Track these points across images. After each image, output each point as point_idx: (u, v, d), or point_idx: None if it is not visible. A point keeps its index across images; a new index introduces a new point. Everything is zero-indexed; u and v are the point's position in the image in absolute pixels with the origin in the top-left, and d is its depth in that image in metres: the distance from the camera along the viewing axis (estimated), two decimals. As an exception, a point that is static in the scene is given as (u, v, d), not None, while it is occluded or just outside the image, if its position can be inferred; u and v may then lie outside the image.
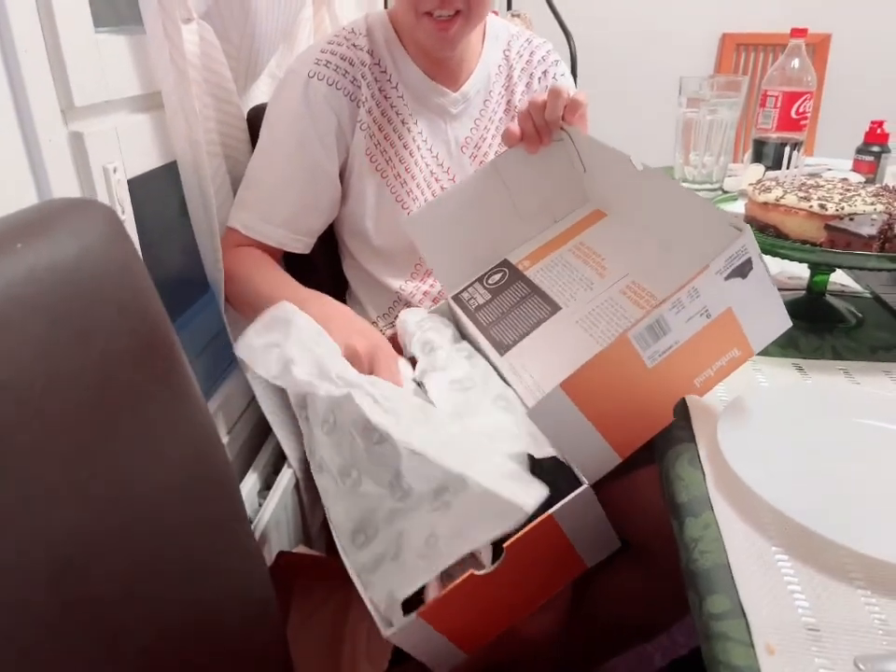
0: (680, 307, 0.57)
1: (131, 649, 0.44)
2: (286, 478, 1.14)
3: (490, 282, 0.87)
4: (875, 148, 1.30)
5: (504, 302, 0.83)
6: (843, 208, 0.77)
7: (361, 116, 0.91)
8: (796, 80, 1.33)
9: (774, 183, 0.86)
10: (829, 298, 0.89)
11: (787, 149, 1.30)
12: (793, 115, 1.34)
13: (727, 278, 0.57)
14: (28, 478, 0.38)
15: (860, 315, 0.88)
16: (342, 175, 0.95)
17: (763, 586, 0.47)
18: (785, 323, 0.63)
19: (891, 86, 2.29)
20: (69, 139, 0.68)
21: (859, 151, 1.32)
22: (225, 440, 1.13)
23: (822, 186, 0.84)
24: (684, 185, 1.45)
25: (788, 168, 1.32)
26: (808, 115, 1.35)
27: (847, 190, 0.82)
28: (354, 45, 0.91)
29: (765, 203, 0.82)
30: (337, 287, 1.10)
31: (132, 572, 0.44)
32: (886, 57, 2.27)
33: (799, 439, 0.60)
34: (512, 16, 1.91)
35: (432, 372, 0.77)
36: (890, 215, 0.76)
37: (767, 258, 0.62)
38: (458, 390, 0.75)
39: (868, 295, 0.95)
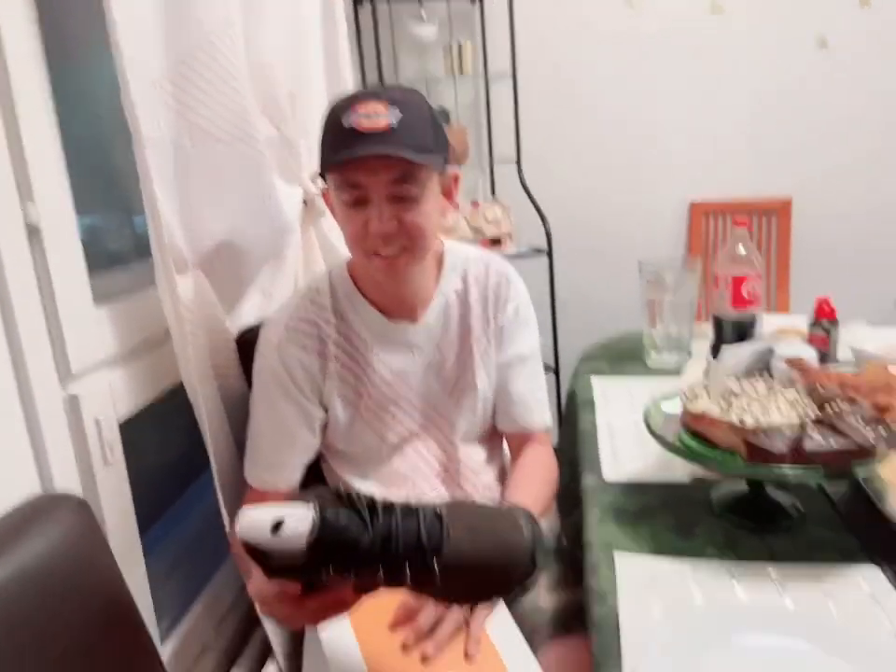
0: None
1: None
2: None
3: None
4: (825, 323, 1.39)
5: None
6: (759, 421, 0.84)
7: (330, 367, 1.03)
8: (743, 264, 1.45)
9: (703, 391, 0.94)
10: (770, 491, 0.94)
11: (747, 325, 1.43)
12: (744, 295, 1.44)
13: None
14: None
15: (802, 509, 0.92)
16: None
17: None
18: None
19: (853, 244, 2.43)
20: (65, 402, 0.79)
21: (811, 326, 1.41)
22: (211, 638, 1.17)
23: (745, 393, 0.92)
24: (654, 355, 1.55)
25: (750, 339, 1.43)
26: (758, 293, 1.46)
27: (768, 397, 0.90)
28: (319, 306, 1.04)
29: (694, 413, 0.90)
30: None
31: None
32: (845, 217, 2.42)
33: (709, 666, 0.65)
34: (492, 203, 2.11)
35: None
36: (802, 427, 0.83)
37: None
38: None
39: (813, 485, 0.99)
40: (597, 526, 0.92)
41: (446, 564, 0.63)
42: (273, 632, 1.18)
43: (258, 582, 0.67)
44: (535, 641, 0.93)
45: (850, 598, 0.75)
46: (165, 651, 1.04)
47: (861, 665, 0.64)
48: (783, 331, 1.56)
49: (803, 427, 0.83)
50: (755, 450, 0.81)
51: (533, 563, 0.67)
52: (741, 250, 1.47)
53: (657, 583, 0.79)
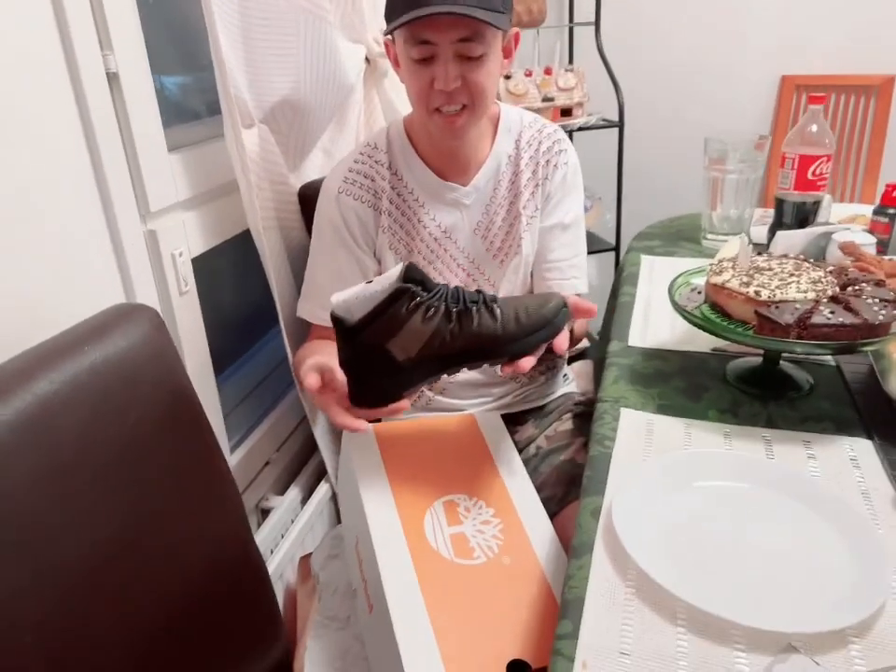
0: None
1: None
2: (322, 490, 1.35)
3: None
4: (891, 210, 1.34)
5: None
6: (775, 295, 0.87)
7: (382, 221, 1.11)
8: (814, 143, 1.40)
9: (729, 265, 0.97)
10: (784, 365, 0.98)
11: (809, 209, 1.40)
12: (810, 176, 1.40)
13: None
14: (77, 492, 0.59)
15: (813, 383, 0.97)
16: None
17: (604, 619, 0.61)
18: None
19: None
20: (146, 236, 0.91)
21: (875, 212, 1.37)
22: (274, 455, 1.36)
23: (771, 270, 0.94)
24: (710, 236, 1.55)
25: (812, 225, 1.40)
26: (826, 176, 1.41)
27: (792, 275, 0.92)
28: (376, 161, 1.10)
29: (715, 285, 0.94)
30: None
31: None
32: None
33: (677, 502, 0.74)
34: (566, 71, 2.04)
35: None
36: (816, 303, 0.85)
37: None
38: None
39: (833, 364, 1.02)
40: (612, 384, 1.00)
41: (502, 308, 0.83)
42: (327, 456, 1.35)
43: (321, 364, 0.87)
44: (571, 491, 1.05)
45: (833, 462, 0.81)
46: (233, 459, 1.23)
47: (823, 513, 0.71)
48: (851, 219, 1.52)
49: (817, 303, 0.86)
50: (764, 321, 0.85)
51: (566, 308, 0.85)
52: (813, 128, 1.41)
53: (653, 436, 0.87)
